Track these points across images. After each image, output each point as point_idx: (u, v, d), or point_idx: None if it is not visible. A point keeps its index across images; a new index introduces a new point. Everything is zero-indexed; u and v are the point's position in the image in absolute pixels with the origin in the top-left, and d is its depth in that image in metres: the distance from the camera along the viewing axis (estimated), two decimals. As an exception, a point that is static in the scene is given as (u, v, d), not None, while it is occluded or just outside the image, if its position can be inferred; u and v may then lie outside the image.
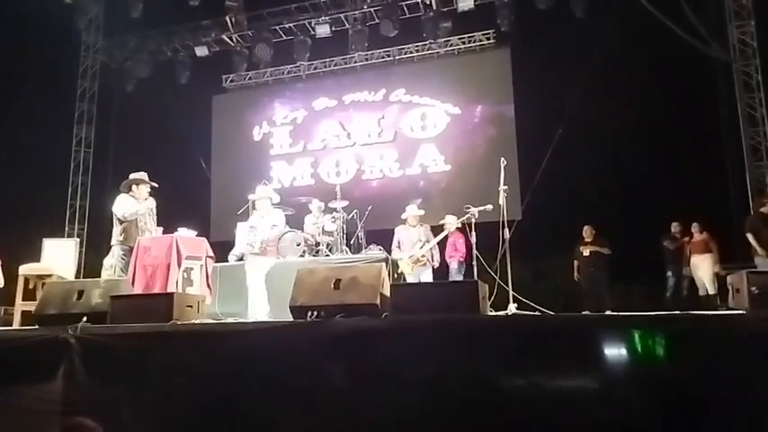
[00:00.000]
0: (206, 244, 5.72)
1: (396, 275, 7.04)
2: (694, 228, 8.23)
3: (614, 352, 2.97)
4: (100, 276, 5.73)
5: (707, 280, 8.03)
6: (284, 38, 11.28)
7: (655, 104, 9.00)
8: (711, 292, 7.94)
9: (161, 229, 5.72)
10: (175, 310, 3.74)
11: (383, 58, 11.44)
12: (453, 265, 7.41)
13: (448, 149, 10.69)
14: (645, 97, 8.98)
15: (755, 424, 2.70)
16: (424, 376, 3.09)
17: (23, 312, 5.94)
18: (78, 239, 9.48)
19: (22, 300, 6.13)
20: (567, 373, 2.99)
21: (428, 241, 7.06)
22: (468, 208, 6.49)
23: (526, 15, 9.74)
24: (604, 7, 9.09)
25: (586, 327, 3.24)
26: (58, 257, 7.43)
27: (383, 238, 7.64)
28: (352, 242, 7.96)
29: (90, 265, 8.43)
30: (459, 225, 6.89)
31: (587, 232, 8.41)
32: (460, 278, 7.10)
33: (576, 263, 8.48)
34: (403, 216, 7.31)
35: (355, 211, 8.08)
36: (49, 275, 6.30)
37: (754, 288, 3.29)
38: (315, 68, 11.82)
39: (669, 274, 8.45)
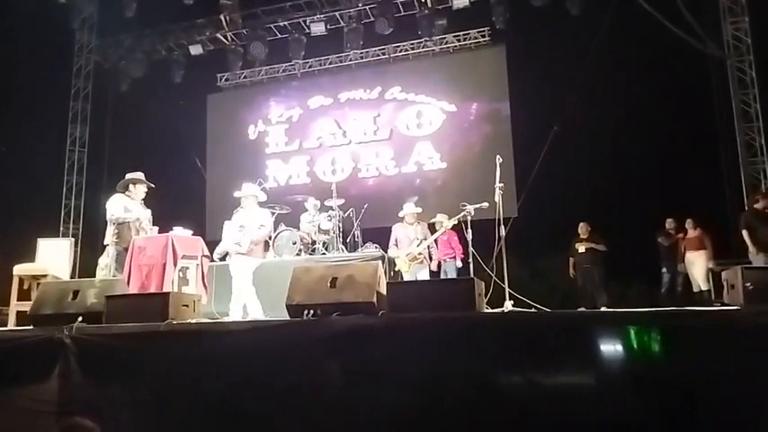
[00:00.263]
0: (201, 243, 5.71)
1: (392, 273, 7.05)
2: (689, 224, 8.25)
3: (610, 348, 2.99)
4: (95, 276, 5.70)
5: (701, 276, 8.06)
6: (279, 36, 11.25)
7: (649, 101, 9.02)
8: (706, 288, 7.97)
9: (156, 228, 5.69)
10: (171, 310, 3.73)
11: (378, 56, 11.43)
12: (449, 264, 7.41)
13: (444, 147, 10.69)
14: (639, 94, 8.99)
15: (750, 419, 2.72)
16: (421, 374, 3.09)
17: (18, 313, 5.91)
18: (73, 239, 9.43)
19: (17, 300, 6.10)
20: (563, 369, 3.00)
21: (425, 239, 7.07)
22: (464, 206, 6.49)
23: (521, 13, 9.74)
24: (599, 5, 9.11)
25: (582, 323, 3.25)
26: (53, 257, 7.39)
27: (379, 237, 7.64)
28: (348, 240, 7.96)
29: (85, 264, 8.39)
30: (455, 222, 6.87)
31: (583, 229, 8.43)
32: (456, 276, 7.09)
33: (571, 260, 8.51)
34: (400, 214, 7.32)
35: (351, 209, 8.08)
36: (44, 275, 6.27)
37: (748, 284, 3.31)
38: (310, 67, 11.81)
39: (664, 270, 8.48)
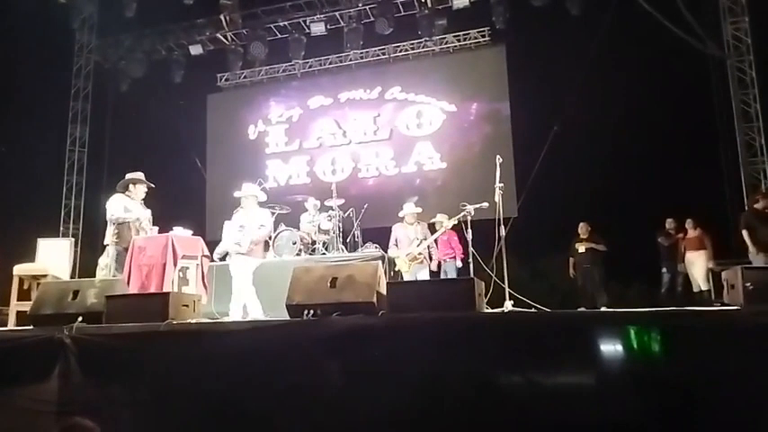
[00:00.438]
0: (201, 243, 5.70)
1: (392, 274, 7.05)
2: (689, 224, 8.25)
3: (610, 348, 2.99)
4: (95, 276, 5.71)
5: (701, 276, 8.05)
6: (279, 36, 11.25)
7: (649, 101, 9.02)
8: (706, 288, 7.96)
9: (156, 228, 5.69)
10: (171, 310, 3.73)
11: (378, 56, 11.43)
12: (449, 264, 7.41)
13: (444, 147, 10.69)
14: (640, 94, 8.99)
15: (751, 419, 2.72)
16: (421, 374, 3.09)
17: (18, 313, 5.91)
18: (73, 239, 9.43)
19: (17, 300, 6.10)
20: (563, 369, 3.00)
21: (425, 239, 7.07)
22: (464, 206, 6.49)
23: (521, 13, 9.74)
24: (599, 5, 9.11)
25: (582, 323, 3.25)
26: (53, 257, 7.39)
27: (379, 237, 7.64)
28: (348, 240, 7.96)
29: (85, 265, 8.38)
30: (456, 222, 6.87)
31: (583, 229, 8.43)
32: (456, 276, 7.09)
33: (571, 260, 8.50)
34: (400, 214, 7.32)
35: (351, 209, 8.08)
36: (44, 275, 6.27)
37: (748, 284, 3.31)
38: (310, 67, 11.81)
39: (664, 270, 8.47)
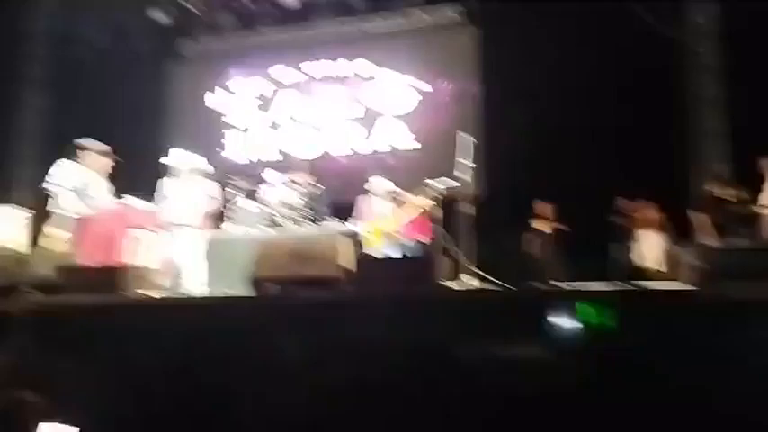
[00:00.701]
0: (158, 214, 5.54)
1: (360, 249, 7.04)
2: (644, 204, 8.53)
3: (564, 323, 3.05)
4: (42, 246, 5.49)
5: (655, 255, 8.35)
6: (246, 3, 10.89)
7: (613, 85, 9.13)
8: (659, 267, 8.26)
9: (112, 198, 5.50)
10: (126, 282, 3.63)
11: (350, 30, 11.18)
12: (416, 241, 7.43)
13: (416, 127, 10.62)
14: (604, 77, 9.09)
15: (701, 397, 2.82)
16: (384, 349, 3.10)
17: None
18: (25, 209, 9.06)
19: (-36, 271, 5.84)
20: (517, 343, 3.06)
21: (395, 215, 7.06)
22: (434, 184, 6.53)
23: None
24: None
25: (539, 299, 3.31)
26: (4, 227, 7.12)
27: (347, 213, 7.59)
28: (315, 216, 7.88)
29: (37, 235, 8.09)
30: (427, 201, 6.90)
31: (543, 208, 8.64)
32: (422, 253, 7.13)
33: (532, 238, 8.70)
34: (370, 189, 7.29)
35: (319, 185, 7.99)
36: (-6, 245, 6.02)
37: (701, 263, 3.40)
38: (278, 38, 11.48)
39: (618, 248, 8.76)
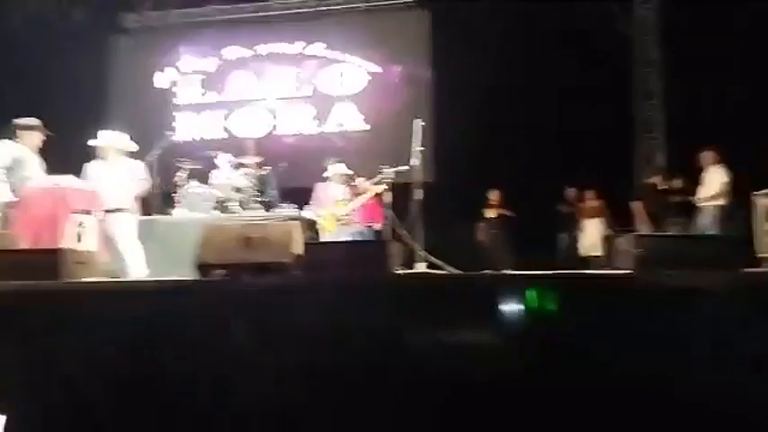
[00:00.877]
0: (98, 196, 5.31)
1: (310, 234, 6.98)
2: (587, 194, 8.92)
3: (511, 309, 3.14)
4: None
5: (596, 242, 8.74)
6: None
7: (560, 75, 9.36)
8: (600, 253, 8.64)
9: (50, 178, 5.23)
10: (65, 267, 3.47)
11: (303, 9, 10.97)
12: (368, 226, 7.44)
13: (366, 108, 10.58)
14: (552, 66, 9.32)
15: (636, 379, 2.97)
16: (332, 334, 3.10)
17: None
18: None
19: None
20: (466, 329, 3.12)
21: (350, 201, 7.03)
22: (385, 168, 6.53)
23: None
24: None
25: (488, 286, 3.39)
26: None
27: (297, 196, 7.51)
28: (263, 199, 7.76)
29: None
30: (379, 185, 6.90)
31: (493, 195, 8.86)
32: (373, 238, 7.15)
33: (482, 224, 8.90)
34: (326, 174, 7.23)
35: (268, 167, 7.85)
36: None
37: (639, 250, 3.57)
38: (228, 14, 11.13)
39: (563, 236, 9.10)
